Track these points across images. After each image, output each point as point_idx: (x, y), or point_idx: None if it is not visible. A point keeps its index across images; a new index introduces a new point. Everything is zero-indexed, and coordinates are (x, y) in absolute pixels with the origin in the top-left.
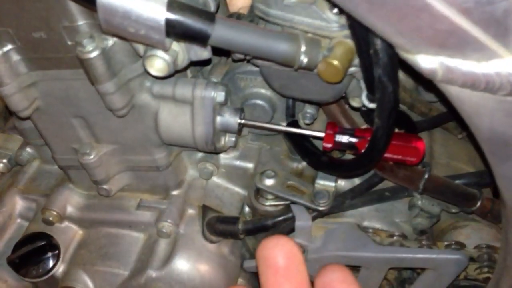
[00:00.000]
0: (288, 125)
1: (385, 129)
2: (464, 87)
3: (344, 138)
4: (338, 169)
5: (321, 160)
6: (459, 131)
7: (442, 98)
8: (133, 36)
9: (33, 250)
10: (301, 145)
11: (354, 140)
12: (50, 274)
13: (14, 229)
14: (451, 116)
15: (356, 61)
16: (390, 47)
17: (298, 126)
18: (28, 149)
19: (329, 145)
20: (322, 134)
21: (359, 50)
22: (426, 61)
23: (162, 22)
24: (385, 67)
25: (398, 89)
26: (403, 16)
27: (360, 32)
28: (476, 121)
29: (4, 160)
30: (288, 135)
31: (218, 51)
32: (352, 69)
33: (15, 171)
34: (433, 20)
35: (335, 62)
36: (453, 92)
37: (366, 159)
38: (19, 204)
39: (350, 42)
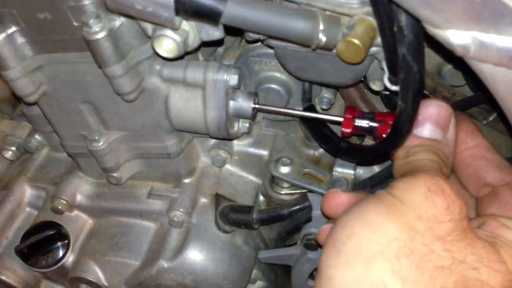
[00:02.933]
0: (305, 110)
1: (409, 113)
2: (498, 65)
3: (364, 123)
4: (357, 155)
5: (339, 146)
6: (484, 117)
7: (470, 79)
8: (140, 14)
9: (42, 240)
10: (318, 131)
11: (374, 124)
12: (60, 264)
13: (23, 218)
14: (475, 102)
15: (378, 40)
16: (416, 24)
17: (315, 111)
18: (37, 136)
19: (348, 130)
20: (340, 119)
21: (382, 28)
22: (457, 37)
23: None
24: (410, 45)
25: (424, 69)
26: None
27: (383, 8)
28: (510, 102)
29: (13, 148)
30: (304, 120)
31: (231, 31)
32: (373, 49)
33: (24, 159)
34: None
35: (356, 41)
36: (486, 70)
37: (388, 144)
38: (28, 192)
39: (371, 20)
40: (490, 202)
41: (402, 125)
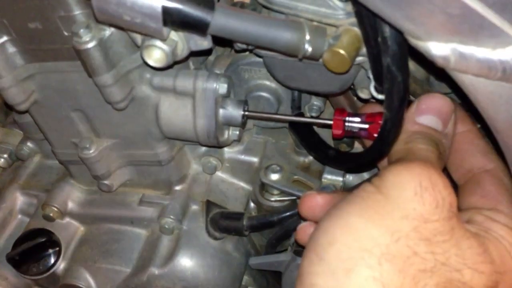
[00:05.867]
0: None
1: (394, 122)
2: (478, 76)
3: (354, 124)
4: (346, 163)
5: (328, 154)
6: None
7: (455, 88)
8: (129, 25)
9: (33, 247)
10: (307, 139)
11: (365, 125)
12: (51, 271)
13: (15, 225)
14: (464, 109)
15: (364, 50)
16: (399, 35)
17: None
18: (29, 144)
19: (339, 132)
20: (331, 122)
21: (366, 38)
22: (438, 48)
23: (159, 10)
24: (394, 55)
25: (408, 78)
26: (413, 0)
27: (367, 19)
28: (491, 112)
29: (5, 155)
30: (294, 128)
31: (221, 41)
32: (359, 58)
33: (16, 166)
34: (445, 4)
35: (341, 51)
36: (467, 81)
37: (375, 152)
38: (19, 199)
39: (357, 30)
40: (472, 191)
41: (387, 133)
